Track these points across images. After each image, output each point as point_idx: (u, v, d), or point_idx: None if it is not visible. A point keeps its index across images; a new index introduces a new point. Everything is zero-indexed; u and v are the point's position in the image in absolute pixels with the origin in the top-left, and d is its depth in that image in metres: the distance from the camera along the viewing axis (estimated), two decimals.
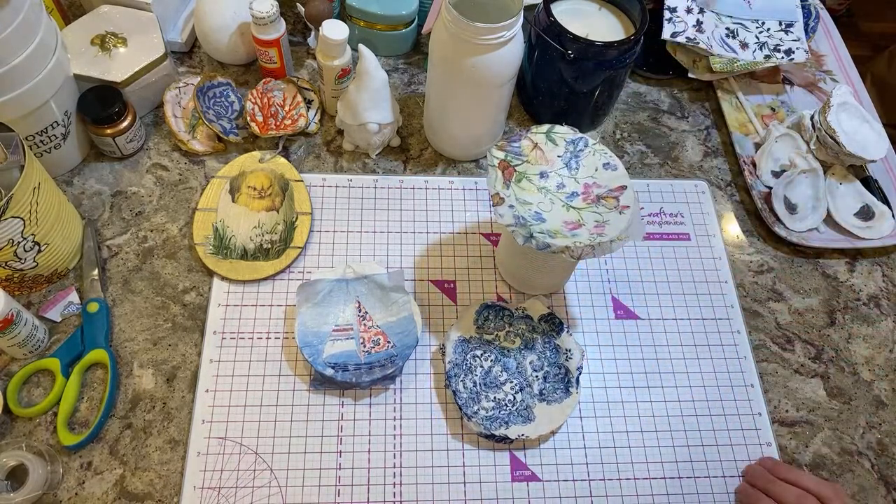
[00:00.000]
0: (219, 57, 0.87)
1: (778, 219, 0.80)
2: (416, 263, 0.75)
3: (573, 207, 0.63)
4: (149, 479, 0.62)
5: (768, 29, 0.93)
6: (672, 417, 0.69)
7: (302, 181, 0.78)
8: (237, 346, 0.69)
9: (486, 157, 0.83)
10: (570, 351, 0.68)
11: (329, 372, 0.65)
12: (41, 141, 0.72)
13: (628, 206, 0.62)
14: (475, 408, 0.66)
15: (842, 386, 0.73)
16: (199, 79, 0.81)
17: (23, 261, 0.65)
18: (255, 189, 0.77)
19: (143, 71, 0.77)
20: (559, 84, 0.80)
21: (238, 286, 0.72)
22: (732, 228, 0.82)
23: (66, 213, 0.69)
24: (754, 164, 0.85)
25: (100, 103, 0.74)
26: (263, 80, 0.82)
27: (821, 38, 0.99)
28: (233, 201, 0.76)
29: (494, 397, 0.67)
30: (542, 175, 0.65)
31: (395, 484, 0.63)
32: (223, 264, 0.72)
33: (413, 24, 0.89)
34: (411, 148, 0.84)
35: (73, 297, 0.70)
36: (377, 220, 0.78)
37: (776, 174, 0.83)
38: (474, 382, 0.67)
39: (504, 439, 0.65)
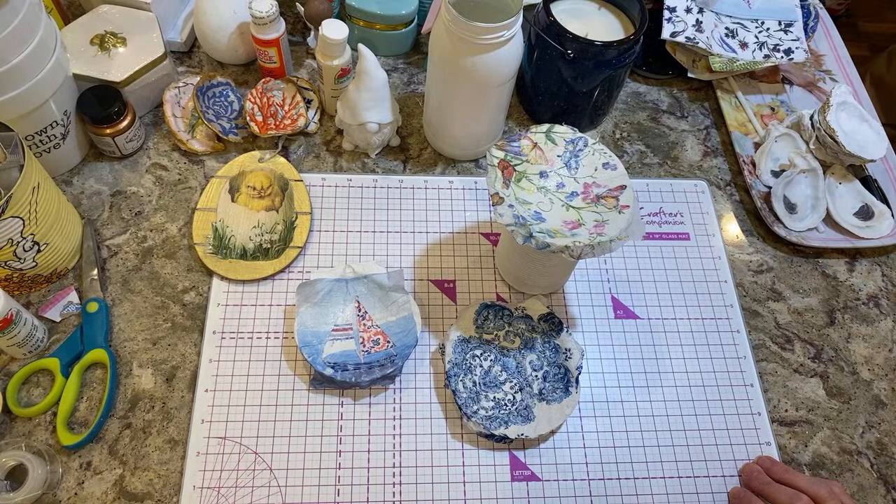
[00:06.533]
0: (218, 57, 0.87)
1: (777, 218, 0.80)
2: (416, 263, 0.75)
3: (573, 207, 0.63)
4: (148, 479, 0.62)
5: (768, 29, 0.93)
6: (672, 417, 0.69)
7: (301, 181, 0.78)
8: (237, 346, 0.69)
9: (485, 156, 0.83)
10: (569, 350, 0.68)
11: (329, 371, 0.65)
12: (41, 141, 0.72)
13: (628, 206, 0.62)
14: (475, 407, 0.66)
15: (841, 385, 0.73)
16: (198, 78, 0.81)
17: (22, 260, 0.65)
18: (254, 189, 0.77)
19: (142, 71, 0.77)
20: (559, 84, 0.80)
21: (237, 286, 0.72)
22: (732, 228, 0.82)
23: (66, 213, 0.69)
24: (754, 164, 0.85)
25: (99, 103, 0.74)
26: (263, 79, 0.82)
27: (820, 38, 0.99)
28: (232, 201, 0.76)
29: (494, 397, 0.66)
30: (542, 175, 0.65)
31: (394, 484, 0.63)
32: (223, 264, 0.72)
33: (413, 24, 0.89)
34: (411, 148, 0.84)
35: (73, 296, 0.70)
36: (377, 219, 0.78)
37: (776, 174, 0.83)
38: (474, 382, 0.67)
39: (504, 439, 0.65)
